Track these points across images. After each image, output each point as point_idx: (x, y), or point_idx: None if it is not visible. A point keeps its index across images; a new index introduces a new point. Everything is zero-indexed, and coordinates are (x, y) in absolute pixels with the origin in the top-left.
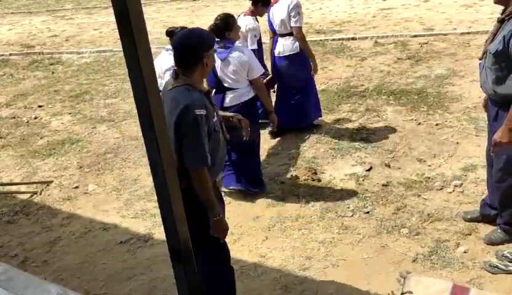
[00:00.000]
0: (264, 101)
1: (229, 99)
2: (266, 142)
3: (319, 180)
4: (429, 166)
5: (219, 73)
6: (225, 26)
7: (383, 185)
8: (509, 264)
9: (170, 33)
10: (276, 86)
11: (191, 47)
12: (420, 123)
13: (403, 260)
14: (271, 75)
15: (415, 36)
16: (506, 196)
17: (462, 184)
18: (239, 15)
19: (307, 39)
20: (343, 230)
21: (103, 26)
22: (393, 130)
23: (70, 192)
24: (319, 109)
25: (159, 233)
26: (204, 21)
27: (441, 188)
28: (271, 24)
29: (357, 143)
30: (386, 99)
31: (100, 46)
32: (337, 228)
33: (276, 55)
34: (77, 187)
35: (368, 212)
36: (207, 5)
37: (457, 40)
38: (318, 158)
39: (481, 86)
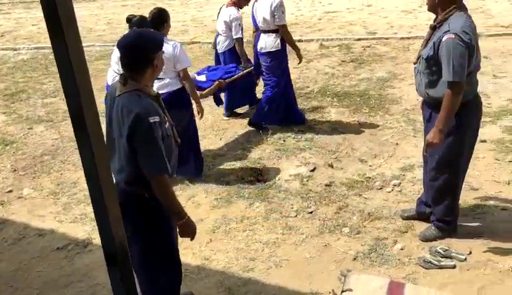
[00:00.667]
0: (190, 92)
1: (156, 87)
2: (212, 143)
3: (265, 181)
4: (370, 166)
5: None
6: (161, 19)
7: (326, 185)
8: (442, 259)
9: (129, 20)
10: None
11: (140, 48)
12: (362, 125)
13: (344, 259)
14: (251, 68)
15: (359, 39)
16: (438, 194)
17: (400, 183)
18: (221, 7)
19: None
20: (287, 230)
21: (42, 21)
22: (337, 131)
23: (3, 196)
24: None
25: (99, 238)
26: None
27: (381, 188)
28: (254, 20)
29: (302, 144)
30: (330, 100)
31: (38, 42)
32: (281, 228)
33: (258, 50)
34: (10, 191)
35: (311, 212)
36: (153, 2)
37: (397, 44)
38: (264, 159)
39: (416, 90)
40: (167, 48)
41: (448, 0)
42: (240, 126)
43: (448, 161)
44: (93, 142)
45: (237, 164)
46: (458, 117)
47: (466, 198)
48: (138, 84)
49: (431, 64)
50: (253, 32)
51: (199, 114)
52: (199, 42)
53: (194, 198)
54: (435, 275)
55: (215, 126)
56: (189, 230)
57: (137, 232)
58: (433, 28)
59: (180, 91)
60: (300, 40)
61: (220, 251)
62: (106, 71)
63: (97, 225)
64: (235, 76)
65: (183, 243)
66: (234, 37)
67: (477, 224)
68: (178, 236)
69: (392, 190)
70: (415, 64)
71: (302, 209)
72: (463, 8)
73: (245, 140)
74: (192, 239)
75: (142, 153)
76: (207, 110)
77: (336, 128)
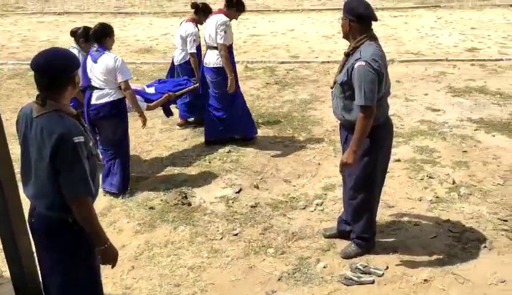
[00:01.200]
0: (131, 103)
1: (96, 97)
2: (137, 165)
3: (189, 204)
4: (294, 186)
5: (89, 73)
6: (103, 33)
7: (251, 206)
8: (361, 276)
9: (74, 33)
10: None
11: (60, 68)
12: (286, 145)
13: (269, 280)
14: (197, 85)
15: (282, 62)
16: (357, 212)
17: (322, 202)
18: (181, 22)
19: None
20: (212, 253)
21: None
22: (262, 152)
23: None
24: (253, 126)
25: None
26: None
27: (304, 208)
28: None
29: (228, 165)
30: (255, 122)
31: None
32: (206, 252)
33: (203, 64)
34: None
35: (237, 234)
36: (73, 20)
37: (319, 68)
38: (189, 182)
39: (334, 113)
40: (109, 60)
41: (359, 30)
42: (164, 148)
43: (364, 181)
44: (3, 179)
45: (162, 187)
46: (371, 138)
47: (383, 215)
48: (57, 104)
49: (346, 89)
50: (206, 48)
51: (143, 124)
52: None
53: (115, 224)
54: (355, 291)
55: (138, 148)
56: (111, 257)
57: (59, 260)
58: (347, 55)
59: (119, 102)
60: None
61: (143, 279)
62: (19, 91)
63: (6, 258)
64: (184, 89)
65: (103, 271)
66: (189, 51)
67: (392, 239)
68: (99, 265)
69: (315, 209)
70: (331, 88)
71: (227, 231)
72: (373, 38)
73: (170, 162)
74: (113, 266)
75: (65, 175)
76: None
77: (262, 149)
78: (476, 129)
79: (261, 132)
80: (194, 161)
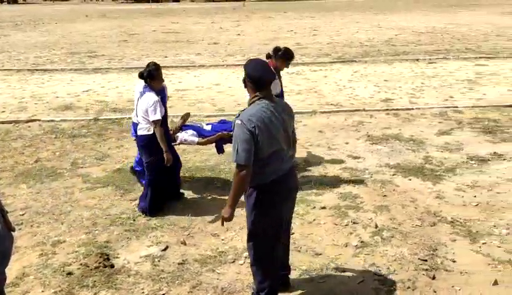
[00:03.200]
0: (159, 140)
1: (138, 128)
2: (52, 229)
3: (112, 266)
4: (222, 240)
5: (136, 107)
6: (148, 75)
7: (179, 263)
8: None
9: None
10: None
11: None
12: (214, 199)
13: None
14: None
15: (208, 116)
16: (252, 269)
17: None
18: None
19: (103, 117)
20: None
21: None
22: (189, 206)
23: None
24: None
25: None
26: None
27: (233, 261)
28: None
29: (154, 222)
30: (182, 176)
31: None
32: None
33: None
34: None
35: None
36: None
37: None
38: (112, 242)
39: None
40: (145, 99)
41: (252, 89)
42: (85, 208)
43: (253, 236)
44: None
45: (81, 250)
46: (257, 196)
47: (311, 263)
48: None
49: None
50: None
51: (166, 161)
52: (39, 120)
53: (28, 294)
54: None
55: (56, 210)
56: None
57: None
58: None
59: (148, 138)
60: None
61: None
62: None
63: None
64: None
65: None
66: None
67: (321, 287)
68: None
69: (244, 262)
70: None
71: (153, 292)
72: (267, 98)
73: (91, 223)
74: None
75: None
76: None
77: (189, 203)
78: (394, 174)
79: (188, 186)
80: (117, 220)
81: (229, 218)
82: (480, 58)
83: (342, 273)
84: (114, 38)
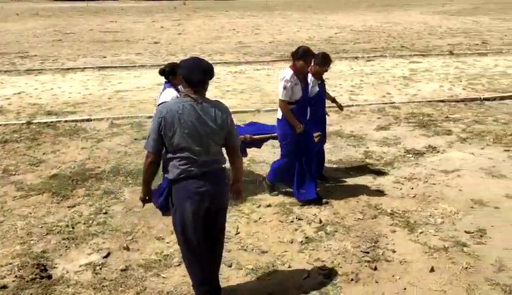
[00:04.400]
0: None
1: None
2: None
3: (50, 277)
4: (167, 243)
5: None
6: (170, 72)
7: (121, 270)
8: None
9: (163, 71)
10: None
11: None
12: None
13: None
14: (275, 134)
15: (150, 117)
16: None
17: None
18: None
19: (36, 121)
20: None
21: None
22: (132, 211)
23: None
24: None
25: None
26: None
27: (179, 264)
28: None
29: (94, 229)
30: (123, 180)
31: None
32: None
33: None
34: None
35: None
36: None
37: None
38: (49, 252)
39: None
40: (164, 95)
41: (184, 85)
42: (19, 218)
43: (175, 229)
44: None
45: (16, 262)
46: (172, 188)
47: (257, 261)
48: None
49: None
50: None
51: None
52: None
53: None
54: None
55: None
56: None
57: None
58: None
59: None
60: (88, 120)
61: None
62: None
63: None
64: (263, 135)
65: None
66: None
67: (268, 284)
68: None
69: None
70: None
71: None
72: (190, 94)
73: (26, 233)
74: None
75: None
76: None
77: (131, 207)
78: (336, 170)
79: (130, 190)
80: (54, 229)
81: (142, 198)
82: (414, 55)
83: (288, 269)
84: (47, 37)
